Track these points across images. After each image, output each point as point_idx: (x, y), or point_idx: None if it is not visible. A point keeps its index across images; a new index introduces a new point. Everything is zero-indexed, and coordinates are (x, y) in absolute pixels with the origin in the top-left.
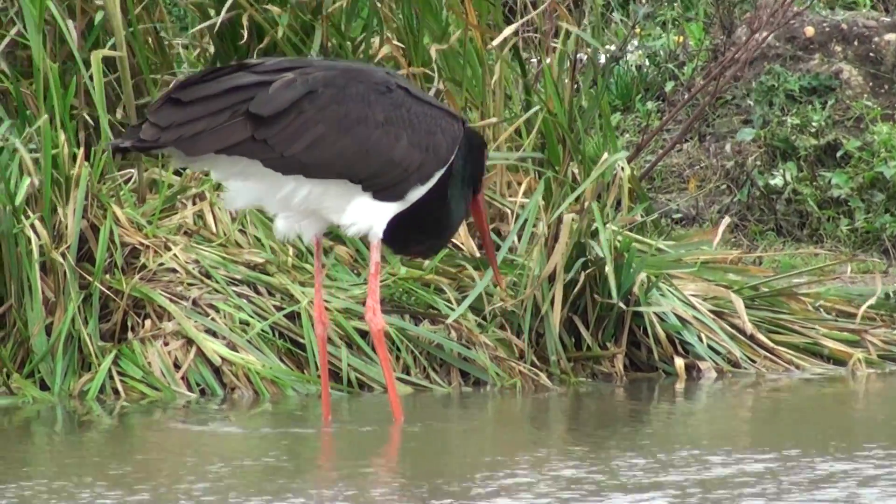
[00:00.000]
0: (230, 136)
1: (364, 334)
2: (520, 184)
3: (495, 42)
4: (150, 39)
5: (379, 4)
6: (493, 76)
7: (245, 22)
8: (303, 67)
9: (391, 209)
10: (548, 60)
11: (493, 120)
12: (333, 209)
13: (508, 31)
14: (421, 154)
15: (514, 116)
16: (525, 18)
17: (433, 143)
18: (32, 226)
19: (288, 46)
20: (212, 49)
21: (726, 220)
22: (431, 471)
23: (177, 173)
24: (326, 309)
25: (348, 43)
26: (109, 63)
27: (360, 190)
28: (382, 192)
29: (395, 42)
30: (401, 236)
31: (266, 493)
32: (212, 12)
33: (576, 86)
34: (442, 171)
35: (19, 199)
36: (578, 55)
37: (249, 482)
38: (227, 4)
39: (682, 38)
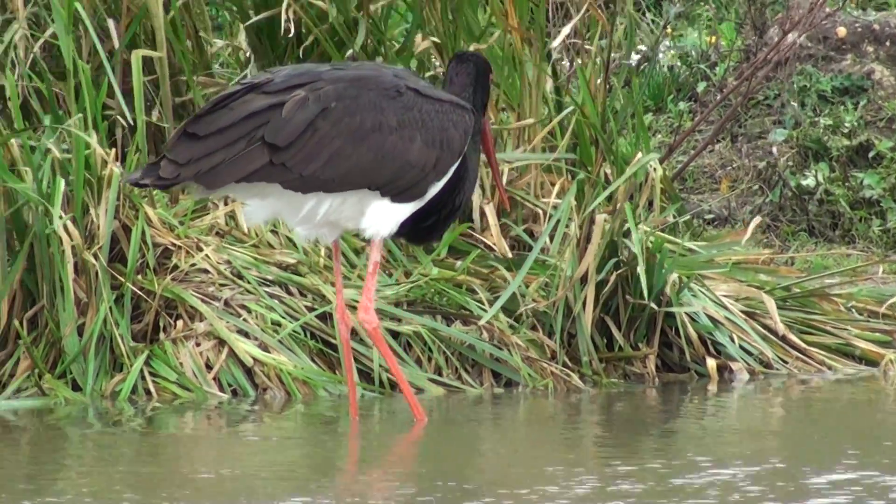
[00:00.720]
0: (248, 164)
1: (396, 335)
2: (553, 184)
3: (555, 42)
4: (188, 40)
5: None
6: (530, 76)
7: (290, 15)
8: (312, 82)
9: (409, 209)
10: (579, 61)
11: (530, 121)
12: (352, 217)
13: (566, 30)
14: (436, 151)
15: (547, 118)
16: (577, 17)
17: (447, 138)
18: (65, 226)
19: (330, 45)
20: (245, 47)
21: (757, 219)
22: (460, 473)
23: None
24: (353, 308)
25: (389, 42)
26: (144, 63)
27: (378, 196)
28: (401, 194)
29: (433, 39)
30: (420, 227)
31: (291, 494)
32: (251, 12)
33: (609, 86)
34: (457, 164)
35: (57, 200)
36: (611, 55)
37: (278, 483)
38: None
39: (714, 39)
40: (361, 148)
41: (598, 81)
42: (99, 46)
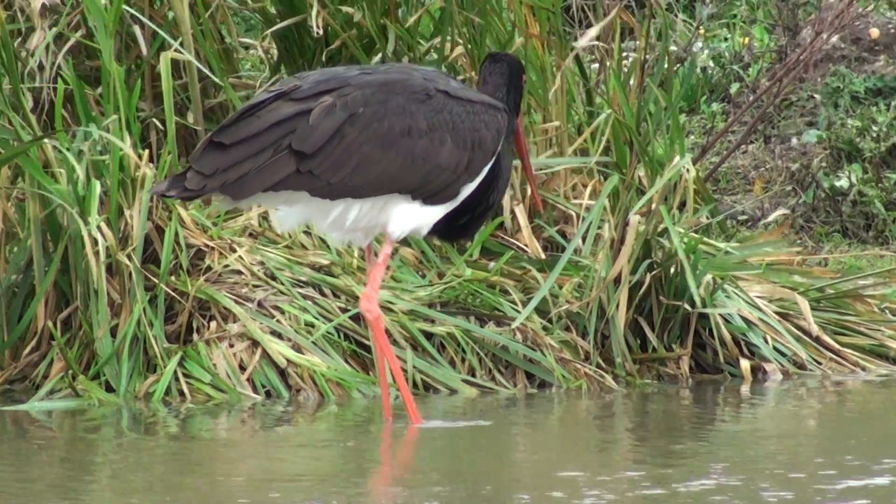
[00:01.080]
0: (275, 173)
1: (429, 336)
2: (585, 186)
3: (580, 43)
4: (215, 44)
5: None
6: (555, 82)
7: (320, 21)
8: (340, 88)
9: (441, 211)
10: (610, 63)
11: (556, 124)
12: (384, 223)
13: (592, 32)
14: (467, 153)
15: (581, 121)
16: (606, 21)
17: (478, 138)
18: (98, 228)
19: (358, 49)
20: (272, 52)
21: (781, 210)
22: (493, 475)
23: None
24: (390, 311)
25: (419, 46)
26: (174, 67)
27: (409, 199)
28: (432, 196)
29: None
30: (454, 225)
31: (326, 497)
32: (277, 19)
33: (643, 88)
34: (490, 164)
35: (93, 202)
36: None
37: (314, 486)
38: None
39: (747, 40)
40: (390, 153)
41: (633, 83)
42: (142, 42)
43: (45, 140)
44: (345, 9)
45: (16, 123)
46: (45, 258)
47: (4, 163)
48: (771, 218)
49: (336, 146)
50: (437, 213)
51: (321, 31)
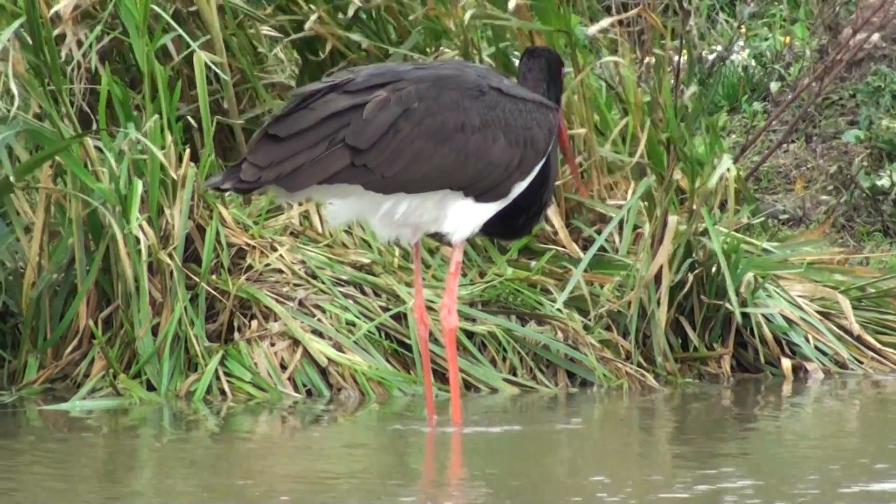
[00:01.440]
0: (330, 166)
1: (470, 335)
2: (615, 186)
3: (591, 30)
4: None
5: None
6: (577, 88)
7: (328, 47)
8: (394, 82)
9: (492, 209)
10: (649, 61)
11: (582, 130)
12: (435, 219)
13: (604, 23)
14: (519, 151)
15: (618, 123)
16: (624, 15)
17: (531, 136)
18: (140, 226)
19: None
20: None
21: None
22: (533, 475)
23: None
24: (431, 309)
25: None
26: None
27: (461, 196)
28: (484, 194)
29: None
30: (511, 224)
31: (368, 498)
32: (291, 31)
33: (681, 88)
34: (542, 163)
35: (134, 203)
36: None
37: (353, 485)
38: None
39: (788, 39)
40: (443, 149)
41: (669, 83)
42: (169, 44)
43: (87, 139)
44: (352, 36)
45: (57, 122)
46: (86, 257)
47: (46, 159)
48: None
49: (390, 140)
50: (488, 210)
51: (324, 55)
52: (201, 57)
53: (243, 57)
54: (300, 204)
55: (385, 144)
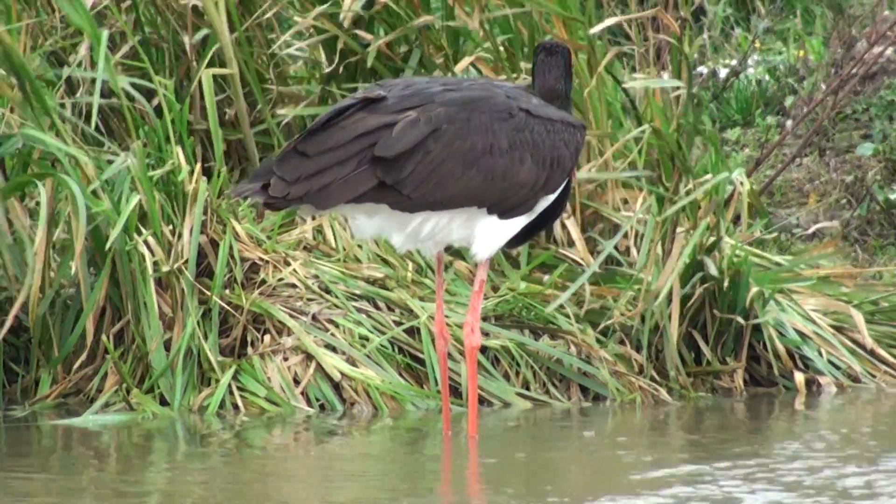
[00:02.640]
0: (359, 185)
1: (484, 349)
2: (627, 201)
3: (595, 29)
4: (262, 55)
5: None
6: (591, 86)
7: (338, 46)
8: (425, 105)
9: (519, 224)
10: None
11: (597, 132)
12: (461, 236)
13: (610, 21)
14: (546, 171)
15: (620, 131)
16: (625, 18)
17: (557, 156)
18: (146, 242)
19: (386, 70)
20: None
21: (835, 223)
22: (548, 489)
23: None
24: (447, 325)
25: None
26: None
27: (485, 213)
28: (510, 211)
29: (485, 55)
30: (523, 233)
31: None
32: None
33: (696, 102)
34: (568, 179)
35: (123, 215)
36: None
37: (367, 498)
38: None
39: (802, 53)
40: (471, 171)
41: (670, 100)
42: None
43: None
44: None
45: (45, 139)
46: (94, 272)
47: (32, 179)
48: (815, 228)
49: (419, 161)
50: (516, 225)
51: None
52: (209, 73)
53: (253, 79)
54: (313, 218)
55: (413, 165)
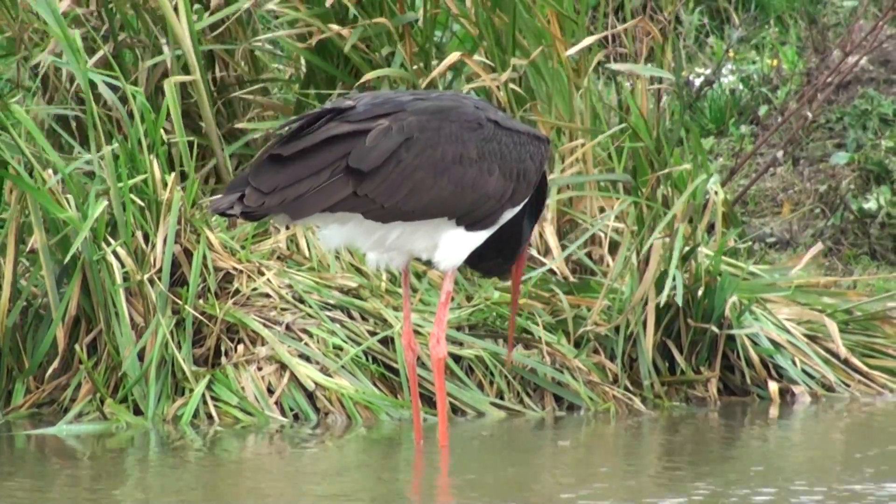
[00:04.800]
0: (333, 194)
1: (458, 359)
2: (604, 209)
3: (572, 51)
4: (242, 62)
5: (464, 20)
6: (578, 91)
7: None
8: (396, 113)
9: (483, 237)
10: (630, 83)
11: (580, 142)
12: (425, 246)
13: (588, 40)
14: (513, 183)
15: (596, 130)
16: (604, 34)
17: (523, 169)
18: (115, 252)
19: (364, 64)
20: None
21: (819, 245)
22: (520, 498)
23: None
24: (418, 334)
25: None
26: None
27: (453, 224)
28: (476, 223)
29: (476, 58)
30: (476, 254)
31: None
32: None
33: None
34: (532, 194)
35: (88, 223)
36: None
37: None
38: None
39: (776, 62)
40: (442, 180)
41: (651, 105)
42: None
43: (57, 163)
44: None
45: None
46: (64, 281)
47: None
48: (809, 255)
49: (392, 170)
50: (479, 238)
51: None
52: (171, 82)
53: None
54: (287, 228)
55: (386, 174)
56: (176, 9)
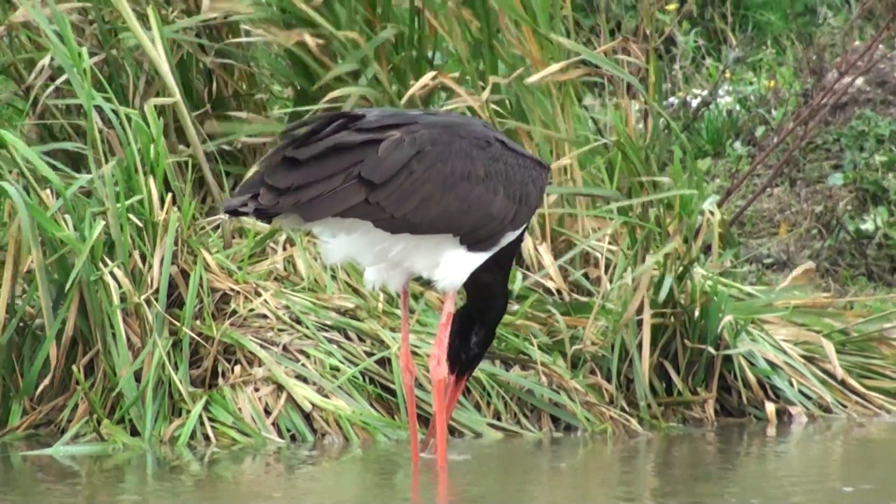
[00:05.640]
0: (345, 199)
1: None
2: (597, 229)
3: (537, 77)
4: (240, 80)
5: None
6: (558, 111)
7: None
8: (407, 125)
9: (482, 258)
10: (615, 101)
11: (566, 160)
12: (426, 264)
13: (554, 67)
14: (515, 205)
15: (582, 143)
16: (577, 58)
17: (525, 193)
18: (112, 273)
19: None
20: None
21: (810, 263)
22: None
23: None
24: (416, 354)
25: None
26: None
27: (456, 243)
28: (477, 243)
29: (450, 76)
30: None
31: None
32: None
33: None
34: (531, 219)
35: (88, 244)
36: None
37: None
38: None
39: (773, 83)
40: (450, 195)
41: (640, 125)
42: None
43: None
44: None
45: None
46: (61, 302)
47: None
48: (798, 272)
49: (403, 180)
50: (478, 259)
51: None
52: (151, 105)
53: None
54: (284, 248)
55: (398, 184)
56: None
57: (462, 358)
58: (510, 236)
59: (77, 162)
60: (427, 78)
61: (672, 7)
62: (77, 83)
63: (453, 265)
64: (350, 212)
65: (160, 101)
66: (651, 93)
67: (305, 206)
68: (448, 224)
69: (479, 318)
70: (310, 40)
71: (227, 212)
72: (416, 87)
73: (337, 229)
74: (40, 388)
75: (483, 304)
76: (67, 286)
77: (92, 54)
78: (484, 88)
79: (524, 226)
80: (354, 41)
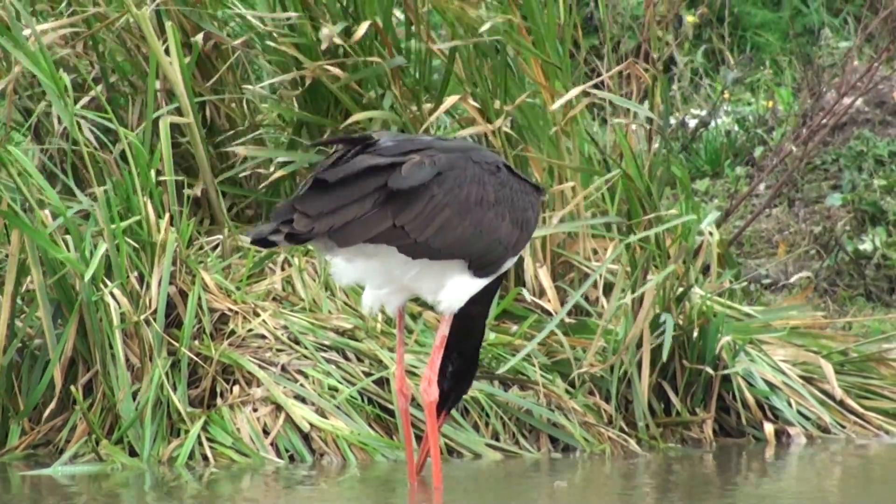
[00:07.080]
0: (375, 225)
1: None
2: (597, 251)
3: (556, 105)
4: (233, 104)
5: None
6: (565, 139)
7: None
8: (425, 150)
9: (482, 283)
10: (617, 121)
11: (570, 185)
12: (431, 287)
13: (573, 92)
14: (518, 231)
15: (587, 169)
16: (589, 84)
17: (525, 219)
18: (112, 293)
19: (356, 107)
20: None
21: (806, 273)
22: None
23: None
24: (414, 374)
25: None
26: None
27: (464, 267)
28: (482, 269)
29: (471, 102)
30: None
31: None
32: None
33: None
34: (527, 244)
35: (92, 266)
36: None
37: None
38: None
39: (771, 103)
40: (465, 221)
41: (643, 147)
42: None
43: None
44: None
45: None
46: (59, 322)
47: None
48: (793, 279)
49: (426, 204)
50: (479, 284)
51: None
52: (167, 121)
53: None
54: (283, 269)
55: (421, 206)
56: (167, 50)
57: (443, 388)
58: (509, 262)
59: (76, 184)
60: (452, 101)
61: (691, 20)
62: (60, 107)
63: (457, 289)
64: (379, 237)
65: (177, 119)
66: (657, 115)
67: (339, 231)
68: (462, 249)
69: (455, 348)
70: (335, 70)
71: (255, 242)
72: (442, 109)
73: (361, 254)
74: (44, 409)
75: (461, 334)
76: (67, 306)
77: (96, 80)
78: (493, 115)
79: (520, 252)
80: (376, 65)
